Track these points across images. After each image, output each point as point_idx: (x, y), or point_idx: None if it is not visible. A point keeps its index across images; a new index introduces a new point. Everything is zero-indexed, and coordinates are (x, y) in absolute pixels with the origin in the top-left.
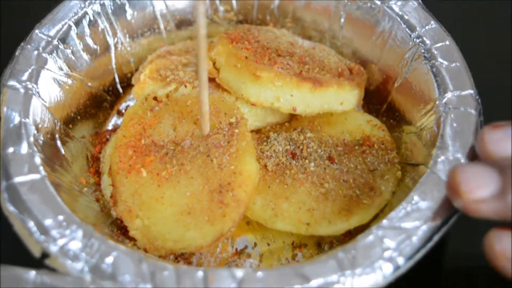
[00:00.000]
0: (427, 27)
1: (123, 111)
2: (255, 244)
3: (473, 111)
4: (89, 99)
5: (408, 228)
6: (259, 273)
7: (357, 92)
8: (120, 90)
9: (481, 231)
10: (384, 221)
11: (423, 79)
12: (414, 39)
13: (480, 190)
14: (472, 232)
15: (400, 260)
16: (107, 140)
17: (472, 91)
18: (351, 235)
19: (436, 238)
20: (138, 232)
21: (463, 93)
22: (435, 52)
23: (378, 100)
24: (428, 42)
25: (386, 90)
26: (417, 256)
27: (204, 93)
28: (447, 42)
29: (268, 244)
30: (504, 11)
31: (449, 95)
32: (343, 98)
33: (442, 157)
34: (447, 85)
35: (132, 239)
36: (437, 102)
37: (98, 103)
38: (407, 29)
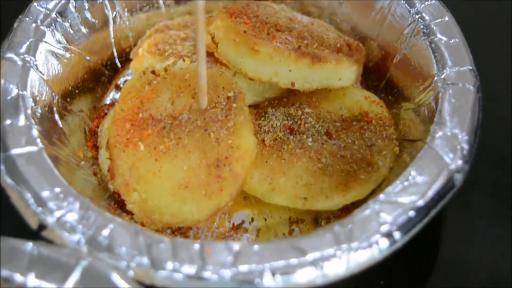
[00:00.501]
0: (426, 3)
1: (121, 85)
2: (252, 219)
3: (471, 87)
4: (87, 73)
5: (405, 203)
6: (256, 246)
7: (356, 68)
8: (119, 64)
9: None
10: (381, 196)
11: (422, 55)
12: (413, 15)
13: None
14: (468, 221)
15: (397, 235)
16: (105, 114)
17: (470, 67)
18: (348, 210)
19: (433, 213)
20: (135, 205)
21: (462, 69)
22: (434, 28)
23: (376, 77)
24: (427, 18)
25: (384, 66)
26: (414, 231)
27: (202, 66)
28: (446, 18)
29: (265, 219)
30: None
31: (447, 71)
32: (342, 73)
33: (440, 133)
34: (446, 61)
35: (129, 213)
36: (435, 78)
37: (96, 78)
38: (406, 5)
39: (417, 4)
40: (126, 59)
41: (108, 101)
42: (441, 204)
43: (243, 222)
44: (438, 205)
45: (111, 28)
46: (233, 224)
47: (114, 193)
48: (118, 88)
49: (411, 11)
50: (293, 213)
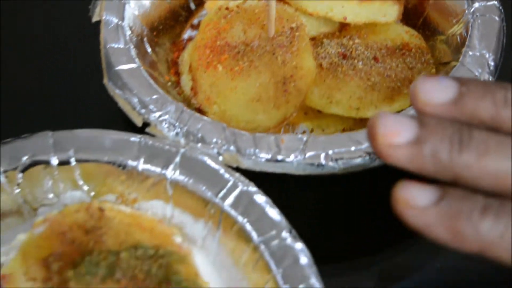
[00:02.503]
0: None
1: (196, 24)
2: (312, 130)
3: (497, 18)
4: (168, 13)
5: None
6: (321, 137)
7: (397, 8)
8: (193, 7)
9: None
10: None
11: None
12: None
13: (396, 135)
14: None
15: None
16: (183, 48)
17: (496, 2)
18: None
19: None
20: (215, 116)
21: (488, 3)
22: None
23: (415, 16)
24: None
25: (422, 7)
26: None
27: (273, 1)
28: None
29: (323, 130)
30: None
31: (476, 5)
32: (385, 11)
33: (470, 53)
34: None
35: None
36: (466, 12)
37: (175, 17)
38: None
39: None
40: (199, 2)
41: (185, 37)
42: None
43: (304, 132)
44: None
45: None
46: (296, 133)
47: (195, 109)
48: (193, 27)
49: None
50: (346, 124)
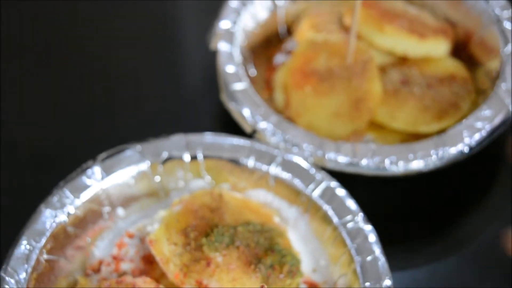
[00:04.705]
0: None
1: (286, 50)
2: (375, 139)
3: None
4: (263, 41)
5: (479, 127)
6: (386, 146)
7: (447, 45)
8: (281, 36)
9: None
10: (463, 121)
11: (493, 38)
12: (490, 11)
13: None
14: None
15: (473, 144)
16: (275, 69)
17: None
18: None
19: (496, 133)
20: (302, 126)
21: None
22: (504, 18)
23: (461, 51)
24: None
25: (466, 44)
26: (484, 143)
27: (353, 37)
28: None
29: (384, 139)
30: None
31: (509, 46)
32: (437, 47)
33: (503, 85)
34: (508, 40)
35: None
36: (501, 51)
37: (268, 44)
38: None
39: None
40: (287, 32)
41: (277, 61)
42: (502, 128)
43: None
44: (500, 129)
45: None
46: (364, 142)
47: (286, 119)
48: (283, 52)
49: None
50: (402, 136)
